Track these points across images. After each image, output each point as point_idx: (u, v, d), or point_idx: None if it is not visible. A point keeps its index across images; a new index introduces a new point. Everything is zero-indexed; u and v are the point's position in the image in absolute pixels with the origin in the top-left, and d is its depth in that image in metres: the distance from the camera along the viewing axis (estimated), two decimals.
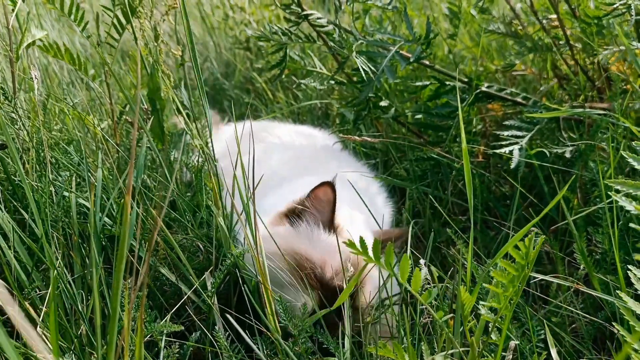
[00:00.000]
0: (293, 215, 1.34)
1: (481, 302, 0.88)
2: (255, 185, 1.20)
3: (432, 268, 1.12)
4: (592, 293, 1.14)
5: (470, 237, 0.94)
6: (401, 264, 0.98)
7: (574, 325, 1.45)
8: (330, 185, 1.31)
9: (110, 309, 1.07)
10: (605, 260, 1.47)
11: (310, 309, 1.21)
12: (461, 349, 0.97)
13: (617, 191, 1.02)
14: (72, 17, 1.73)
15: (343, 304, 1.15)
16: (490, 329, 0.93)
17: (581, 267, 1.44)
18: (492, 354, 1.02)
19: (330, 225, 1.34)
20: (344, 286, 1.22)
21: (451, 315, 0.99)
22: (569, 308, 1.31)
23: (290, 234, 1.31)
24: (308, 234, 1.32)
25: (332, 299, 1.22)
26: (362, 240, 0.97)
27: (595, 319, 1.30)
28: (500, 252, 0.90)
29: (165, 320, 1.17)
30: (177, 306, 1.28)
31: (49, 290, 1.07)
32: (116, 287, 0.73)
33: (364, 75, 1.56)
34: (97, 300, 0.85)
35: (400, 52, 1.66)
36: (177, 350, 1.10)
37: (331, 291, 1.26)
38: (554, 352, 0.96)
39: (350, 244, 0.98)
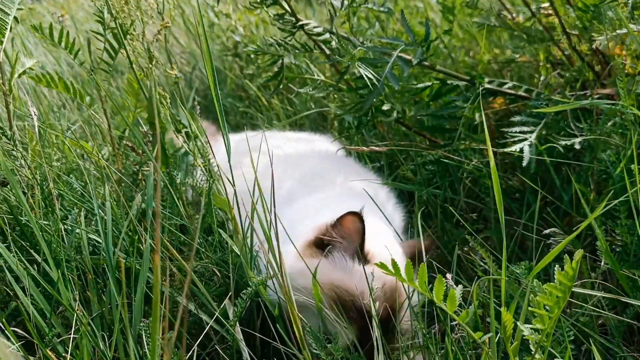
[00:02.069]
0: (323, 245, 1.30)
1: (526, 326, 0.85)
2: (274, 210, 1.18)
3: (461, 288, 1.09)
4: (620, 298, 1.12)
5: (503, 266, 0.92)
6: (435, 284, 0.96)
7: (601, 321, 1.43)
8: (358, 215, 1.27)
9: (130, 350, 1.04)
10: (627, 253, 1.45)
11: (350, 341, 1.19)
12: None
13: None
14: (63, 45, 1.68)
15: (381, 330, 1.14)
16: (534, 349, 0.91)
17: (602, 262, 1.42)
18: None
19: (361, 253, 1.30)
20: (381, 311, 1.20)
21: (488, 335, 0.96)
22: (596, 310, 1.29)
23: (326, 266, 1.26)
24: (343, 265, 1.28)
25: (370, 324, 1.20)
26: (394, 263, 0.95)
27: (623, 319, 1.28)
28: (536, 268, 0.88)
29: (193, 353, 1.14)
30: (200, 338, 1.25)
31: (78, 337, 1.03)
32: (153, 340, 0.70)
33: (368, 82, 1.53)
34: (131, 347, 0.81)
35: (401, 55, 1.63)
36: None
37: (364, 316, 1.23)
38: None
39: (382, 266, 0.96)
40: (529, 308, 0.82)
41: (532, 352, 0.89)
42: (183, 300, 1.03)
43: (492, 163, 0.92)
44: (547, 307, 0.81)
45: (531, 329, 0.85)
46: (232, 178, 1.40)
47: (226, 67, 3.26)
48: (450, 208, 1.75)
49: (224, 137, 1.31)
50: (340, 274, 1.27)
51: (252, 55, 3.08)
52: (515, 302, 0.92)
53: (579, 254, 0.84)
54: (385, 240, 1.40)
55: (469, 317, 0.95)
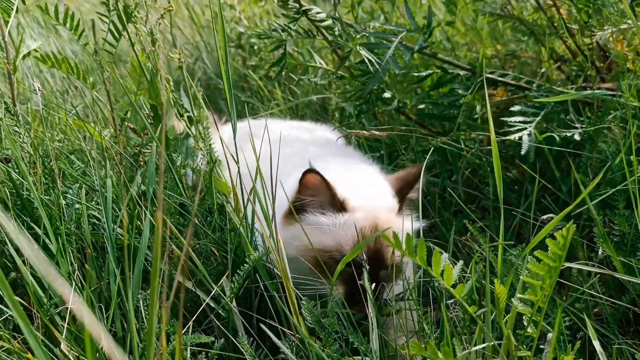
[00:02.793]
0: (297, 212, 1.33)
1: (518, 296, 0.86)
2: (274, 192, 1.20)
3: (461, 264, 1.10)
4: (616, 275, 1.13)
5: (501, 227, 0.93)
6: (433, 259, 0.97)
7: (596, 310, 1.44)
8: (314, 171, 1.30)
9: (129, 320, 1.05)
10: (624, 242, 1.46)
11: (338, 299, 1.21)
12: (495, 342, 0.96)
13: None
14: (68, 26, 1.69)
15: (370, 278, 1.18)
16: (526, 322, 0.92)
17: (599, 250, 1.43)
18: (524, 346, 1.01)
19: (335, 203, 1.33)
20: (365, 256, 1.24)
21: (483, 309, 0.97)
22: (592, 293, 1.30)
23: (300, 232, 1.29)
24: (317, 223, 1.31)
25: (359, 272, 1.24)
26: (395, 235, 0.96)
27: (619, 302, 1.29)
28: (533, 242, 0.88)
29: (188, 329, 1.14)
30: (196, 314, 1.26)
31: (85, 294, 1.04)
32: (152, 306, 0.71)
33: (370, 66, 1.54)
34: (132, 319, 0.82)
35: (403, 42, 1.63)
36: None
37: (357, 266, 1.25)
38: (597, 345, 0.94)
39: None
40: (521, 277, 0.83)
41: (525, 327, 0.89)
42: (181, 261, 1.04)
43: (493, 137, 0.93)
44: (540, 277, 0.82)
45: (523, 300, 0.86)
46: (237, 158, 1.41)
47: (229, 56, 3.27)
48: (450, 197, 1.76)
49: (230, 116, 1.32)
50: (316, 233, 1.30)
51: (256, 47, 3.09)
52: (510, 278, 0.92)
53: (570, 225, 0.84)
54: (363, 180, 1.44)
55: (465, 292, 0.96)
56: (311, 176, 1.30)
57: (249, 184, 1.37)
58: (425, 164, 1.89)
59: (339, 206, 1.33)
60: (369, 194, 1.39)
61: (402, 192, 1.40)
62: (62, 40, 3.64)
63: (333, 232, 1.31)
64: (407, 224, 1.31)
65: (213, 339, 1.13)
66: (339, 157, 1.70)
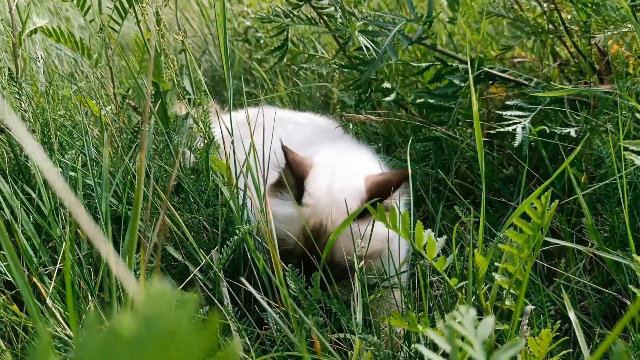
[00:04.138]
0: (282, 186, 1.34)
1: (495, 264, 0.87)
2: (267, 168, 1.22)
3: (445, 239, 1.11)
4: (602, 255, 1.14)
5: (482, 202, 0.94)
6: (416, 230, 0.98)
7: (583, 303, 1.44)
8: (287, 149, 1.33)
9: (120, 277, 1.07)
10: (614, 238, 1.47)
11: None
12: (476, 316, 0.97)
13: (633, 152, 1.02)
14: (75, 1, 1.72)
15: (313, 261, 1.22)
16: (504, 294, 0.93)
17: (589, 244, 1.44)
18: (503, 320, 1.02)
19: (296, 191, 1.33)
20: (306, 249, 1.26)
21: (464, 282, 0.98)
22: (580, 280, 1.31)
23: (276, 206, 1.31)
24: (282, 205, 1.32)
25: (305, 265, 1.26)
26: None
27: (605, 290, 1.30)
28: (515, 213, 0.90)
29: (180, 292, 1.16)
30: (184, 282, 1.28)
31: (65, 260, 1.06)
32: (130, 243, 0.72)
33: (367, 53, 1.56)
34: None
35: (403, 32, 1.65)
36: None
37: (298, 258, 1.27)
38: (572, 315, 0.95)
39: None
40: (499, 245, 0.84)
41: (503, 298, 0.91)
42: (161, 213, 1.05)
43: (475, 108, 0.94)
44: (519, 247, 0.83)
45: (503, 273, 0.87)
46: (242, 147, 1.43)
47: (235, 50, 3.31)
48: (443, 189, 1.77)
49: (228, 88, 1.34)
50: (282, 211, 1.31)
51: (262, 40, 3.12)
52: (491, 250, 0.94)
53: (548, 193, 0.85)
54: (340, 176, 1.37)
55: (447, 265, 0.97)
56: (286, 151, 1.33)
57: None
58: (419, 154, 1.92)
59: (297, 195, 1.33)
60: (334, 191, 1.33)
61: (372, 198, 1.31)
62: (72, 26, 3.68)
63: (286, 221, 1.31)
64: (366, 230, 1.27)
65: (195, 295, 1.14)
66: (339, 144, 1.71)
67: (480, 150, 0.97)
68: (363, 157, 1.58)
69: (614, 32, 1.84)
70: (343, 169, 1.42)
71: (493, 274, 0.95)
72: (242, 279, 0.97)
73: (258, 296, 0.93)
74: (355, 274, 1.15)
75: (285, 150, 1.33)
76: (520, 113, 1.73)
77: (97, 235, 0.47)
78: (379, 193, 1.31)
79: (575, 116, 1.83)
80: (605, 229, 1.54)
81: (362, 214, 1.25)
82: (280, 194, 1.34)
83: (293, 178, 1.33)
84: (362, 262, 1.18)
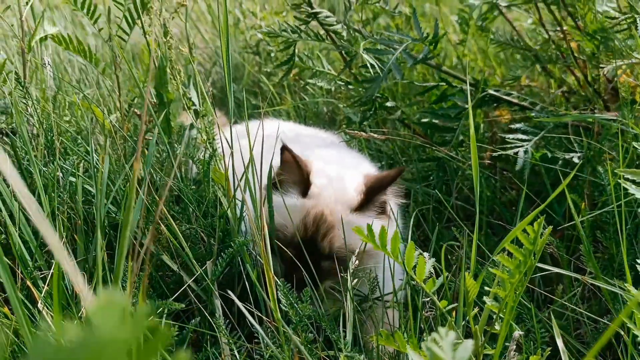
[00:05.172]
0: (281, 186, 1.38)
1: (486, 288, 0.87)
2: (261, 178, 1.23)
3: (434, 261, 1.10)
4: (598, 284, 1.13)
5: (476, 223, 0.94)
6: (407, 252, 0.98)
7: (579, 331, 1.43)
8: (287, 148, 1.36)
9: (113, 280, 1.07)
10: (612, 266, 1.46)
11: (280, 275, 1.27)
12: (464, 339, 0.96)
13: (628, 180, 1.01)
14: (85, 10, 1.75)
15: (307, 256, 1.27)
16: (494, 318, 0.92)
17: (587, 271, 1.42)
18: (493, 344, 1.01)
19: (300, 186, 1.37)
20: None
21: (454, 305, 0.98)
22: (575, 308, 1.30)
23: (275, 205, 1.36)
24: (280, 202, 1.35)
25: (299, 255, 1.30)
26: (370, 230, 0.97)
27: (601, 319, 1.29)
28: (507, 237, 0.89)
29: (168, 302, 1.16)
30: (177, 293, 1.28)
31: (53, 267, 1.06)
32: (121, 250, 0.73)
33: (371, 71, 1.56)
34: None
35: (408, 52, 1.66)
36: (177, 333, 1.10)
37: (294, 247, 1.31)
38: (560, 342, 0.94)
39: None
40: (490, 269, 0.84)
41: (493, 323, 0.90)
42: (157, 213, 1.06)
43: (472, 128, 0.94)
44: (509, 272, 0.83)
45: (493, 298, 0.87)
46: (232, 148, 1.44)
47: (246, 62, 3.34)
48: (444, 209, 1.76)
49: (229, 97, 1.36)
50: (277, 211, 1.34)
51: (272, 54, 3.15)
52: (482, 275, 0.93)
53: (548, 229, 0.85)
54: (337, 172, 1.44)
55: (436, 286, 0.96)
56: (287, 153, 1.36)
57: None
58: (421, 173, 1.91)
59: (303, 190, 1.37)
60: (333, 185, 1.39)
61: (370, 191, 1.37)
62: (86, 34, 3.73)
63: (286, 212, 1.35)
64: (363, 222, 1.29)
65: (183, 305, 1.14)
66: (335, 149, 1.73)
67: (475, 172, 0.97)
68: (360, 159, 1.67)
69: (623, 62, 1.84)
70: (343, 166, 1.49)
71: (484, 297, 0.94)
72: (230, 293, 0.97)
73: (246, 312, 0.93)
74: (352, 276, 1.18)
75: (286, 149, 1.36)
76: (523, 137, 1.73)
77: (55, 243, 0.48)
78: (376, 187, 1.37)
79: (579, 142, 1.83)
80: (605, 256, 1.53)
81: (361, 208, 1.35)
82: (281, 189, 1.38)
83: (298, 175, 1.37)
84: (356, 261, 1.21)
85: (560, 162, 1.75)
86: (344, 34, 1.70)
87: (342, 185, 1.39)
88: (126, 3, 1.76)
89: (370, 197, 1.37)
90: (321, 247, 1.32)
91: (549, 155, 1.64)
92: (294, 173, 1.37)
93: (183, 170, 1.76)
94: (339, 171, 1.44)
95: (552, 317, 1.07)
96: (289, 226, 1.33)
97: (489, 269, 0.87)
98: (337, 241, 1.33)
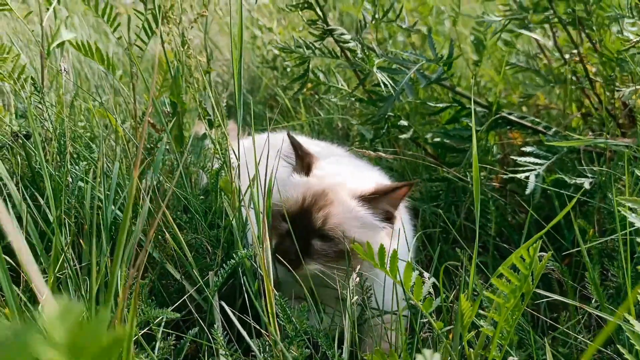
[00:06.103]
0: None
1: (481, 312, 0.86)
2: (265, 189, 1.23)
3: (434, 279, 1.10)
4: (604, 316, 1.11)
5: (475, 246, 0.93)
6: (404, 272, 0.97)
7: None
8: (289, 135, 1.47)
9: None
10: (619, 295, 1.43)
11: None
12: None
13: (630, 209, 1.00)
14: (105, 18, 1.78)
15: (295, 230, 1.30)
16: (490, 343, 0.91)
17: (593, 299, 1.40)
18: None
19: (302, 165, 1.45)
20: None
21: (451, 327, 0.97)
22: (578, 337, 1.28)
23: (280, 183, 1.39)
24: (284, 179, 1.42)
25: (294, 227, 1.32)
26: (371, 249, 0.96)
27: (604, 350, 1.26)
28: (505, 262, 0.89)
29: (164, 310, 1.16)
30: (178, 302, 1.28)
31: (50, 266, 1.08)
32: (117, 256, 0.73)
33: (384, 90, 1.57)
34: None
35: (422, 71, 1.66)
36: (174, 342, 1.10)
37: (291, 219, 1.33)
38: None
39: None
40: (485, 293, 0.83)
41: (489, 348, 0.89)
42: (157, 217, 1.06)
43: (475, 152, 0.94)
44: (505, 296, 0.82)
45: (489, 319, 0.86)
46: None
47: (264, 75, 3.37)
48: (451, 228, 1.75)
49: (237, 110, 1.38)
50: (279, 188, 1.38)
51: (289, 69, 3.17)
52: (479, 298, 0.92)
53: (547, 255, 0.85)
54: (343, 168, 1.50)
55: (433, 307, 0.96)
56: (289, 138, 1.46)
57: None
58: (430, 193, 1.91)
59: (305, 168, 1.43)
60: (337, 173, 1.44)
61: (378, 189, 1.38)
62: (109, 41, 3.80)
63: (287, 189, 1.39)
64: (363, 214, 1.36)
65: (179, 315, 1.14)
66: (351, 159, 1.75)
67: (476, 190, 0.97)
68: (375, 170, 1.68)
69: (639, 87, 1.83)
70: (348, 167, 1.55)
71: (480, 321, 0.94)
72: (225, 306, 0.97)
73: (239, 326, 0.93)
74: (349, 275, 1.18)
75: (291, 139, 1.45)
76: (536, 160, 1.71)
77: (21, 247, 0.48)
78: (374, 191, 1.38)
79: (591, 167, 1.81)
80: (612, 285, 1.50)
81: (365, 199, 1.36)
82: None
83: (297, 156, 1.46)
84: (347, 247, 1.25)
85: (571, 187, 1.74)
86: (358, 51, 1.71)
87: (350, 177, 1.44)
88: (146, 13, 1.79)
89: (377, 195, 1.36)
90: (314, 218, 1.32)
91: (563, 179, 1.62)
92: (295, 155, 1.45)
93: (193, 179, 1.78)
94: (350, 169, 1.51)
95: (552, 344, 1.05)
96: (287, 201, 1.36)
97: (485, 293, 0.86)
98: (333, 218, 1.33)
